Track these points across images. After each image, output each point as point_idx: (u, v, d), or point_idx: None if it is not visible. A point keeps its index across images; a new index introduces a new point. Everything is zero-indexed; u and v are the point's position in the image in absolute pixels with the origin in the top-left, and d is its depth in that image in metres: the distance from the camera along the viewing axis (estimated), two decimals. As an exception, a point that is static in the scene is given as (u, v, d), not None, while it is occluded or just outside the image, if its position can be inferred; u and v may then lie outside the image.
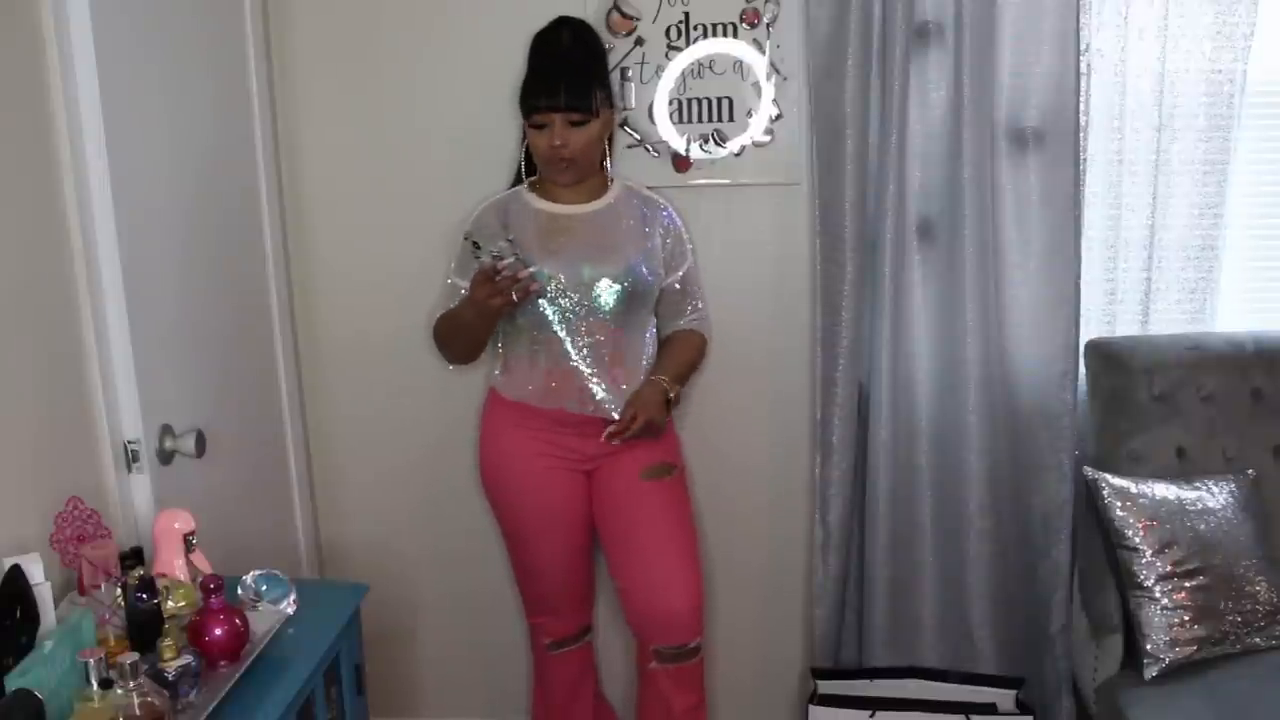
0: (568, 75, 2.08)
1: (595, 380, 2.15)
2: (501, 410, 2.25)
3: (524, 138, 2.20)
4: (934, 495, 2.40)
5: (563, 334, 2.13)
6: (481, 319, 2.09)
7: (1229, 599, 2.09)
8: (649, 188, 2.28)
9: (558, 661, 2.42)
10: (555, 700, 2.46)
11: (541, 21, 2.18)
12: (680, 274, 2.24)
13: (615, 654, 2.62)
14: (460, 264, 2.21)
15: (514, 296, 1.99)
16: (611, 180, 2.23)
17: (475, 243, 1.99)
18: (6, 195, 1.60)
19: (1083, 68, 2.23)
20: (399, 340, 2.51)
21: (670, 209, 2.25)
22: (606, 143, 2.21)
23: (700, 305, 2.29)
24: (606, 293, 2.11)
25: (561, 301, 2.11)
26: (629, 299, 2.14)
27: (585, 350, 2.14)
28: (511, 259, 1.97)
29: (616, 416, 2.15)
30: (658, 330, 2.28)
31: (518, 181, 2.26)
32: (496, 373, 2.25)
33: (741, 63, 2.34)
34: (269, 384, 2.40)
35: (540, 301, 2.11)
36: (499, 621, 2.64)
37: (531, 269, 2.00)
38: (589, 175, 2.18)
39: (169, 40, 1.98)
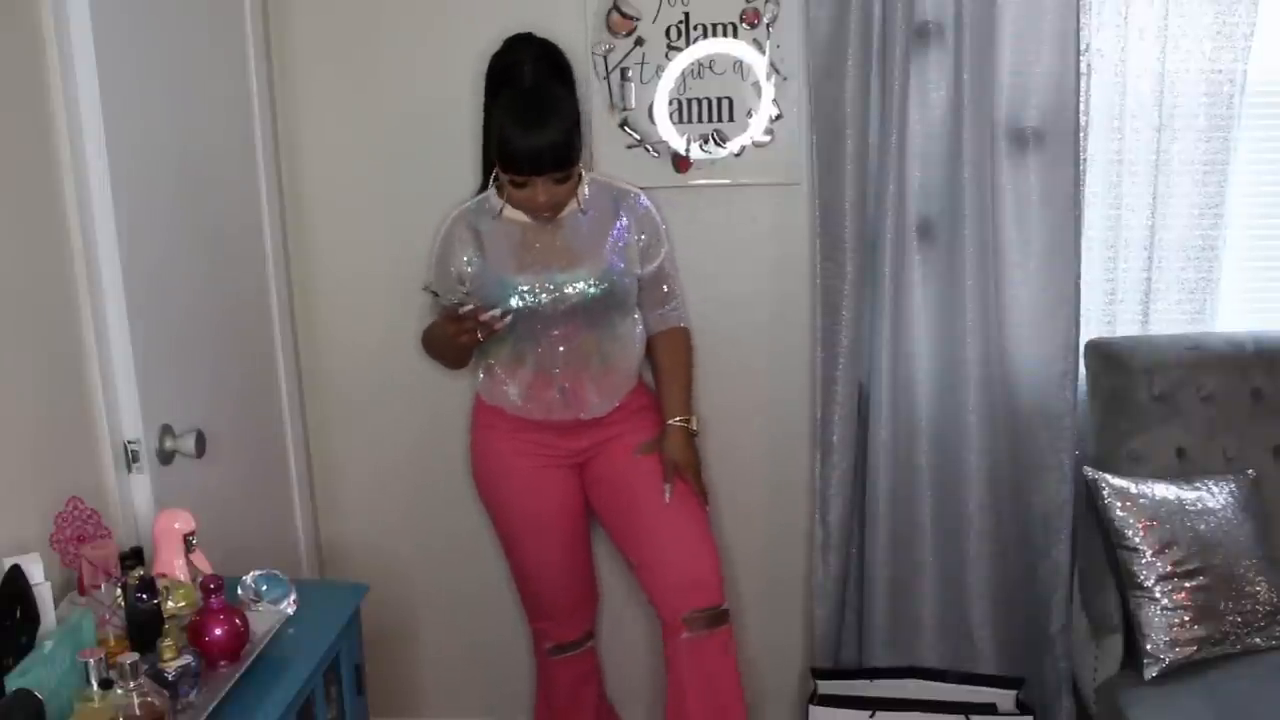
0: (548, 137, 1.96)
1: (576, 385, 2.15)
2: (486, 414, 2.25)
3: (485, 152, 2.14)
4: (934, 495, 2.40)
5: (541, 340, 2.13)
6: (452, 348, 2.12)
7: (1229, 599, 2.09)
8: (643, 187, 2.25)
9: (560, 666, 2.42)
10: (557, 704, 2.47)
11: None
12: (656, 264, 2.21)
13: (619, 658, 2.62)
14: (437, 274, 2.19)
15: (479, 336, 2.02)
16: (580, 179, 2.12)
17: (434, 292, 2.00)
18: (6, 195, 1.60)
19: (1083, 68, 2.23)
20: (399, 340, 2.50)
21: (642, 196, 2.20)
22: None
23: (676, 294, 2.27)
24: (584, 296, 2.10)
25: (539, 309, 2.09)
26: (607, 300, 2.13)
27: (566, 354, 2.14)
28: (471, 306, 1.99)
29: (598, 417, 2.17)
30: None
31: (484, 184, 2.20)
32: (480, 376, 2.25)
33: (741, 63, 2.34)
34: (269, 384, 2.40)
35: (519, 308, 2.08)
36: (499, 621, 2.64)
37: (494, 311, 2.00)
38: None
39: (169, 40, 1.98)
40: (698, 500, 2.21)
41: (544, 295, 2.09)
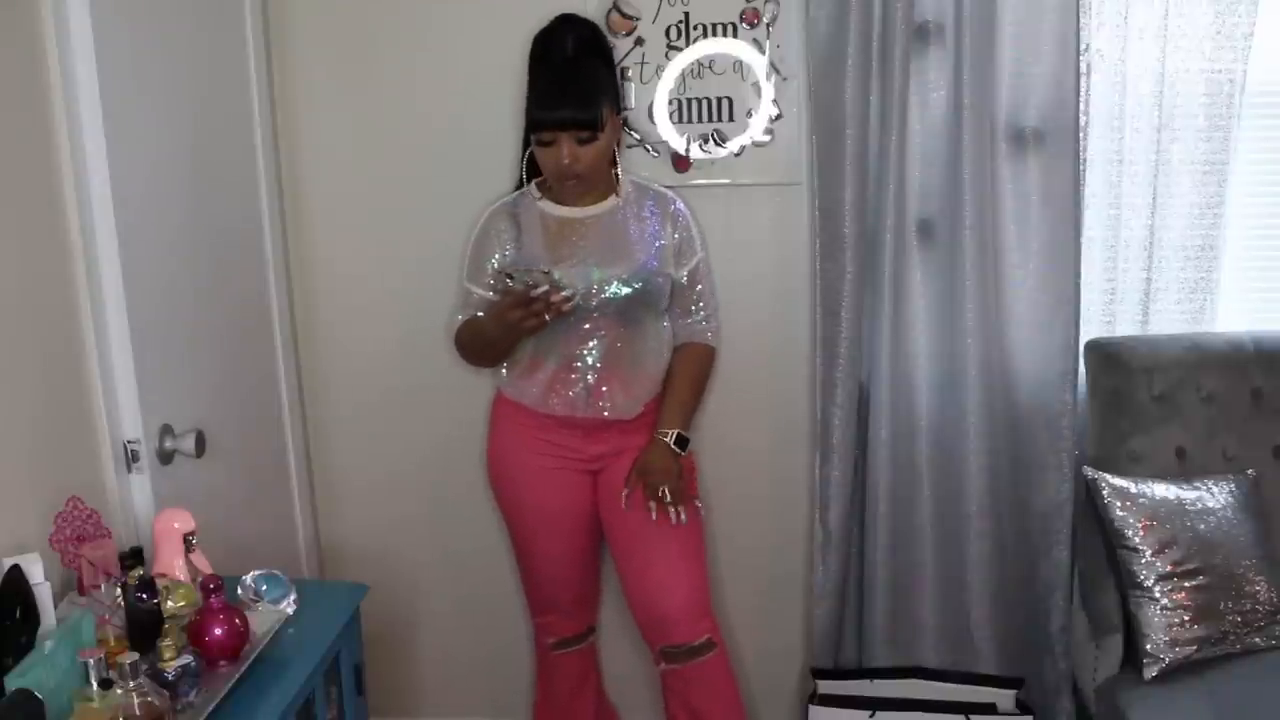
0: (573, 93, 2.04)
1: (604, 382, 2.14)
2: (507, 409, 2.25)
3: (525, 143, 2.17)
4: (934, 495, 2.40)
5: (571, 336, 2.12)
6: (509, 337, 2.09)
7: (1229, 599, 2.09)
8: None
9: (560, 661, 2.43)
10: (557, 698, 2.47)
11: (542, 16, 2.16)
12: (688, 269, 2.21)
13: (618, 653, 2.62)
14: (473, 268, 2.20)
15: (547, 318, 1.99)
16: (620, 178, 2.19)
17: (509, 275, 1.98)
18: (6, 195, 1.60)
19: (1083, 68, 2.23)
20: (399, 339, 2.51)
21: (680, 202, 2.22)
22: (615, 145, 2.17)
23: (706, 304, 2.25)
24: (617, 295, 2.10)
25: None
26: (639, 299, 2.13)
27: (594, 352, 2.13)
28: (545, 287, 1.96)
29: (625, 418, 2.16)
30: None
31: (522, 182, 2.23)
32: (503, 371, 2.24)
33: (741, 63, 2.34)
34: (269, 384, 2.40)
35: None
36: (499, 621, 2.64)
37: (565, 292, 1.97)
38: (599, 184, 2.16)
39: (169, 40, 1.98)
40: (691, 530, 2.17)
41: (575, 287, 2.06)
